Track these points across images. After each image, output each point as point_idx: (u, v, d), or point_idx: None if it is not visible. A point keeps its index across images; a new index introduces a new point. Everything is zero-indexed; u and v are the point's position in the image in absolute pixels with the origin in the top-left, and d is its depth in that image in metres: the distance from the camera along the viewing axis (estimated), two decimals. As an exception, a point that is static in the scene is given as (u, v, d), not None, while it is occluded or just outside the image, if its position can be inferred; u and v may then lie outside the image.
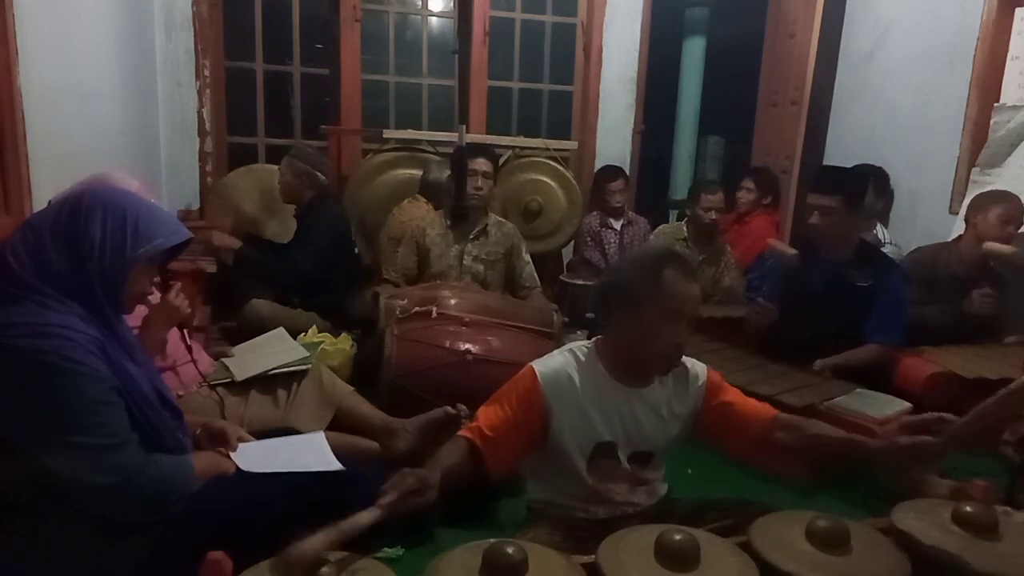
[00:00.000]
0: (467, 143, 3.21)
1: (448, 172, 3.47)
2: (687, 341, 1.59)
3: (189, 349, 2.03)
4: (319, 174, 3.28)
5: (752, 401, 1.72)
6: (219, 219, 3.64)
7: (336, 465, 1.72)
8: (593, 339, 1.69)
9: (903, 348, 2.74)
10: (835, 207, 2.68)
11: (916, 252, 3.15)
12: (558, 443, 1.59)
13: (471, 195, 3.15)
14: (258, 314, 3.02)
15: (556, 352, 1.68)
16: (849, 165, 3.79)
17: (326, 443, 1.83)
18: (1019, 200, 2.91)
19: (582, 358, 1.63)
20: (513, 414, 1.56)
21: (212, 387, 2.14)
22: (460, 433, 1.58)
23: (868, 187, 2.95)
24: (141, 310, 1.83)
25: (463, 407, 2.10)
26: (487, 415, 1.58)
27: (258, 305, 3.05)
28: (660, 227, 4.06)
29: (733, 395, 1.71)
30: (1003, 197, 2.93)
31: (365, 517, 1.21)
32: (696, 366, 1.71)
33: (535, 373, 1.59)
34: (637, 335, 1.56)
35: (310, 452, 1.76)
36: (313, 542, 1.10)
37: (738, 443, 1.70)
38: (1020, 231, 2.90)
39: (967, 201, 3.15)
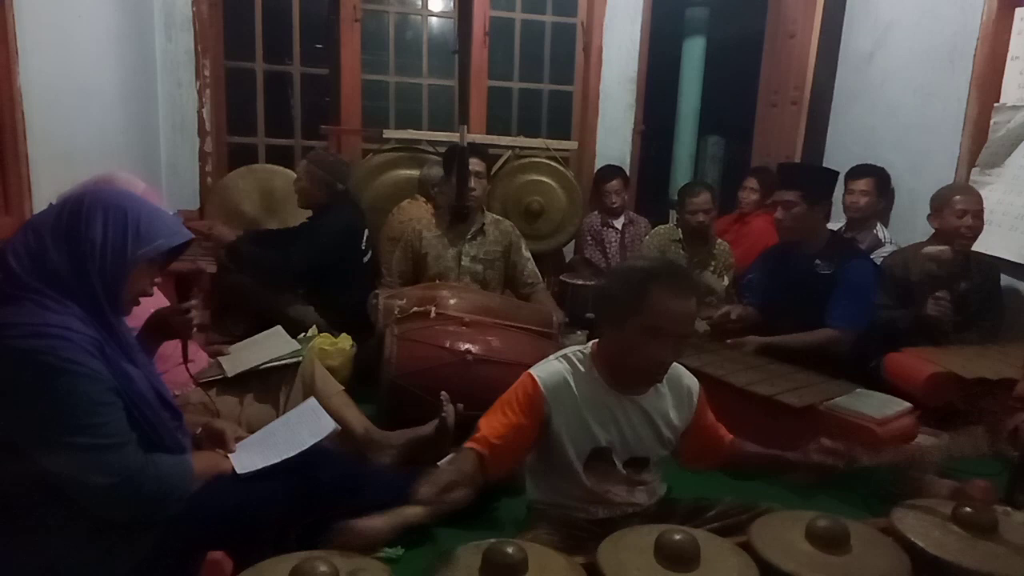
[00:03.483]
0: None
1: (436, 170, 3.47)
2: (674, 358, 1.58)
3: (185, 348, 2.02)
4: (337, 183, 3.27)
5: (718, 424, 1.79)
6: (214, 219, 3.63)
7: (332, 426, 1.75)
8: (589, 344, 1.68)
9: (895, 346, 2.76)
10: (795, 201, 2.80)
11: (890, 257, 3.17)
12: (557, 446, 1.59)
13: (466, 195, 3.13)
14: (240, 289, 3.04)
15: (552, 358, 1.66)
16: (849, 165, 3.80)
17: (320, 407, 1.84)
18: (972, 190, 2.97)
19: (578, 364, 1.62)
20: (517, 419, 1.55)
21: (206, 387, 2.12)
22: (467, 445, 1.55)
23: (832, 183, 3.05)
24: (141, 311, 1.82)
25: (459, 405, 2.11)
26: (490, 423, 1.56)
27: (243, 281, 3.06)
28: (656, 228, 4.03)
29: (711, 416, 1.77)
30: (956, 191, 3.00)
31: (412, 512, 1.26)
32: (692, 380, 1.72)
33: (535, 378, 1.58)
34: (622, 346, 1.55)
35: (304, 423, 1.77)
36: (372, 522, 1.16)
37: (702, 463, 1.81)
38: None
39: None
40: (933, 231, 3.04)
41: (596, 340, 1.68)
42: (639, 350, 1.52)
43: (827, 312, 2.79)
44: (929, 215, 3.05)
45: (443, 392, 2.17)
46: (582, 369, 1.61)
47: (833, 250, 2.89)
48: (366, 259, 3.42)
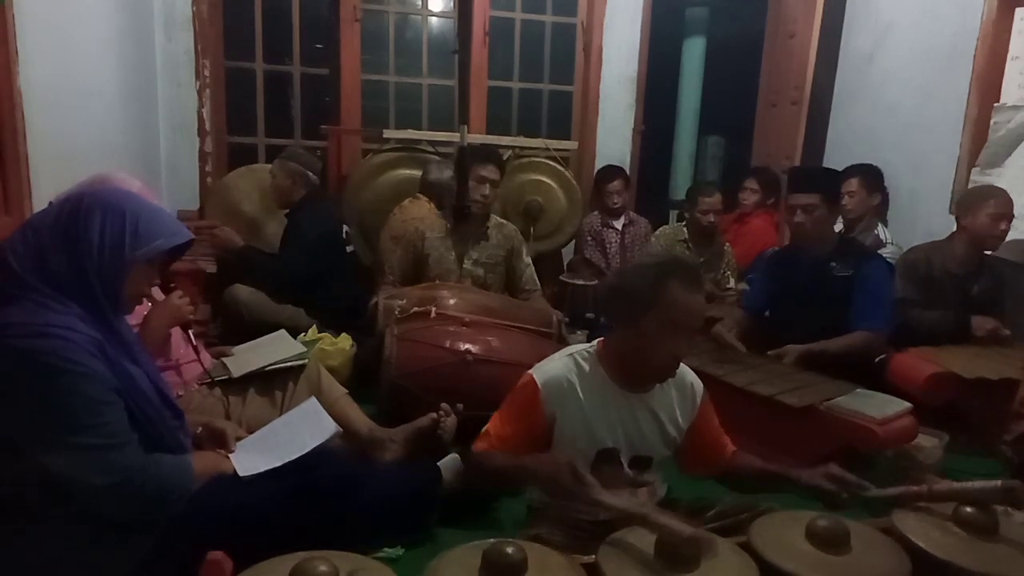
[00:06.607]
0: (476, 145, 3.17)
1: (449, 172, 3.46)
2: (686, 352, 1.59)
3: (195, 348, 2.03)
4: (310, 174, 3.31)
5: (722, 432, 1.77)
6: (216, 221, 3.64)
7: (333, 428, 1.77)
8: (595, 342, 1.68)
9: (899, 345, 2.75)
10: (816, 204, 2.78)
11: (909, 252, 3.16)
12: (562, 447, 1.58)
13: (477, 202, 3.10)
14: (235, 298, 3.06)
15: (556, 357, 1.66)
16: (849, 165, 3.80)
17: (321, 408, 1.86)
18: (1007, 194, 2.92)
19: (583, 363, 1.62)
20: (518, 424, 1.56)
21: (211, 386, 2.13)
22: (475, 447, 1.57)
23: (840, 184, 3.13)
24: (142, 309, 1.83)
25: (459, 405, 2.11)
26: (496, 425, 1.58)
27: (237, 290, 3.08)
28: (661, 229, 4.05)
29: (715, 422, 1.76)
30: (991, 193, 2.94)
31: None
32: (696, 379, 1.72)
33: (535, 381, 1.58)
34: (637, 343, 1.55)
35: (305, 425, 1.78)
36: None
37: (702, 468, 1.79)
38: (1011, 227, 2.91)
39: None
40: (956, 229, 2.99)
41: (601, 339, 1.68)
42: (654, 346, 1.53)
43: (856, 315, 2.73)
44: (958, 214, 2.99)
45: (443, 404, 2.18)
46: (587, 368, 1.61)
47: (845, 252, 2.85)
48: (348, 251, 3.45)
